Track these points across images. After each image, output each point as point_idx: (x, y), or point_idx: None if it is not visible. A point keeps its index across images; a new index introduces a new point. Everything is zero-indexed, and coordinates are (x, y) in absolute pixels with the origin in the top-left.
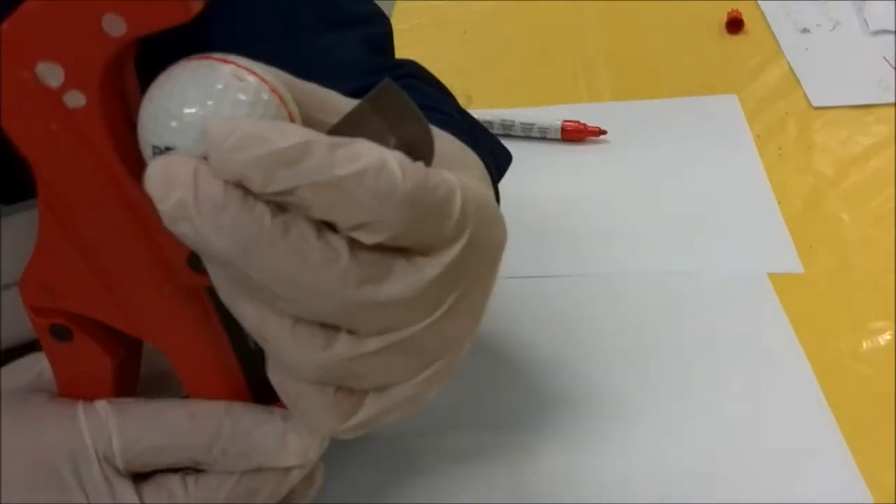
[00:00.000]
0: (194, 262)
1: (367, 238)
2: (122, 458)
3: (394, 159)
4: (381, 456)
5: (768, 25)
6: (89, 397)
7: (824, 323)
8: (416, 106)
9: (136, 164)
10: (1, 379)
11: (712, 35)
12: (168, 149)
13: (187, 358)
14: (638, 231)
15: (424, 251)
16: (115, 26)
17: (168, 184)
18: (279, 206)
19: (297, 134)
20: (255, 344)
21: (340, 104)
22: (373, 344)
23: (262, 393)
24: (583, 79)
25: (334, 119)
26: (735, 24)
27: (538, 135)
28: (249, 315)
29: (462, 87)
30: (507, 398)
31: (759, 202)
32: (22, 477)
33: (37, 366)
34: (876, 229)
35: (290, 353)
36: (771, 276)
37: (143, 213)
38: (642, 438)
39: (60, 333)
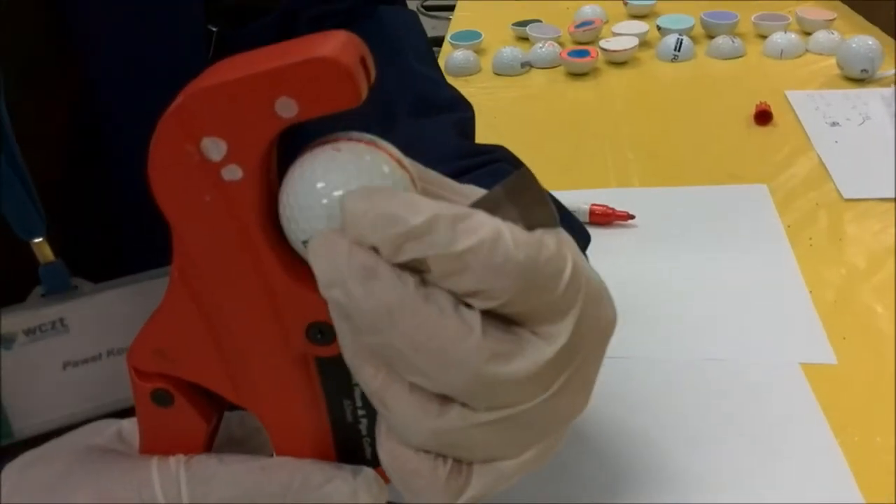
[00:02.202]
0: (312, 333)
1: (479, 305)
2: None
3: (507, 231)
4: None
5: (797, 118)
6: None
7: (858, 414)
8: (548, 195)
9: (272, 236)
10: (76, 437)
11: (741, 126)
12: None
13: (284, 425)
14: (665, 317)
15: (538, 323)
16: (288, 108)
17: (328, 250)
18: (421, 279)
19: (426, 209)
20: (353, 417)
21: (454, 185)
22: (486, 416)
23: (349, 463)
24: (612, 165)
25: (452, 195)
26: (764, 116)
27: None
28: (371, 378)
29: None
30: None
31: (790, 292)
32: None
33: (112, 427)
34: None
35: (405, 416)
36: (804, 366)
37: (272, 284)
38: None
39: (162, 398)
